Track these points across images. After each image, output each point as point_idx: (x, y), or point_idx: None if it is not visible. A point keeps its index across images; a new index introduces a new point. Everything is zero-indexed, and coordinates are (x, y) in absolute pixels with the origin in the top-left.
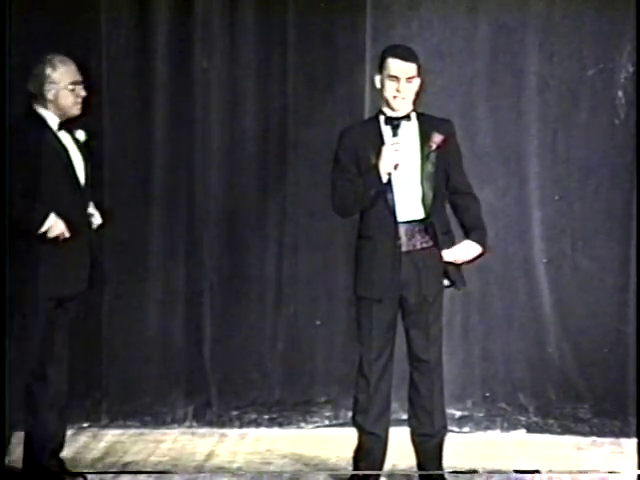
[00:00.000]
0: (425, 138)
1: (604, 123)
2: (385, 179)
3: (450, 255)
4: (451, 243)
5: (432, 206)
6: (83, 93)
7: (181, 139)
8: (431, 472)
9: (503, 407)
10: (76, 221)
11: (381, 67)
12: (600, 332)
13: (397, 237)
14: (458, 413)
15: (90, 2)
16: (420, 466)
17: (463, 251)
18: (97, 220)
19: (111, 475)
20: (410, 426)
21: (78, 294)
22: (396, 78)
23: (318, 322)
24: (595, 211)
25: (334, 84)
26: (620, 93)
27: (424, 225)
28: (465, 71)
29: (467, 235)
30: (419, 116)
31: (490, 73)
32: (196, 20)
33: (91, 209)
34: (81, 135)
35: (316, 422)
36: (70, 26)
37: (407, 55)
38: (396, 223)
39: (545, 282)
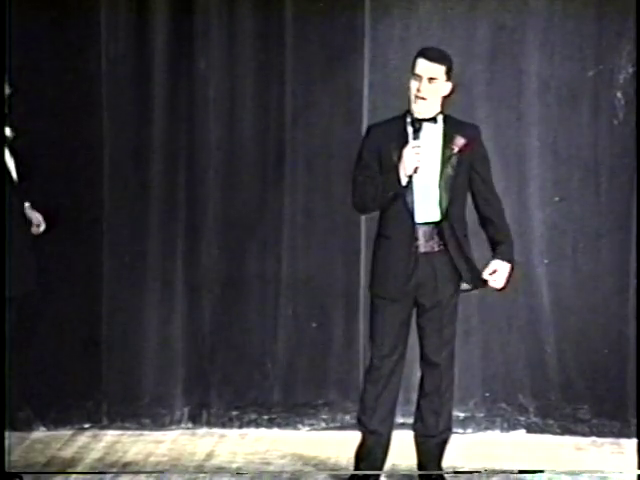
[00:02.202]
0: (448, 141)
1: (604, 124)
2: (404, 182)
3: (493, 283)
4: (467, 247)
5: (448, 209)
6: (7, 91)
7: (180, 139)
8: (431, 472)
9: (503, 407)
10: (17, 220)
11: (412, 67)
12: (600, 333)
13: (415, 238)
14: (462, 414)
15: (90, 2)
16: (420, 466)
17: (499, 276)
18: (41, 227)
19: (111, 475)
20: (415, 425)
21: (23, 294)
22: (419, 77)
23: (314, 324)
24: (595, 212)
25: (332, 84)
26: (620, 94)
27: (438, 227)
28: (465, 72)
29: (493, 251)
30: (446, 119)
31: (490, 74)
32: (195, 21)
33: (29, 211)
34: (8, 132)
35: (313, 425)
36: (70, 26)
37: (434, 56)
38: (414, 224)
39: (545, 283)
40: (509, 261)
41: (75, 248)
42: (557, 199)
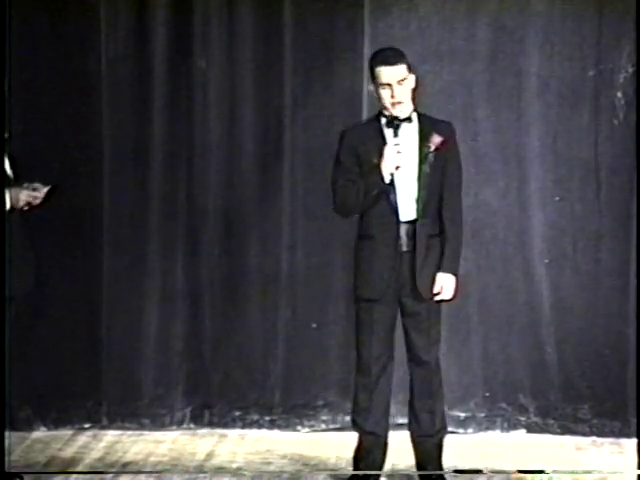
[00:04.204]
0: (424, 139)
1: (604, 124)
2: (387, 180)
3: (440, 296)
4: (434, 249)
5: (425, 207)
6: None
7: (180, 139)
8: (431, 472)
9: (503, 407)
10: (16, 220)
11: (372, 76)
12: (600, 333)
13: (398, 237)
14: (462, 414)
15: (90, 2)
16: (420, 466)
17: (445, 289)
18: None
19: (111, 475)
20: (410, 426)
21: (23, 294)
22: (388, 85)
23: (314, 325)
24: (596, 212)
25: (332, 84)
26: (620, 94)
27: (414, 226)
28: (465, 72)
29: (440, 262)
30: (420, 117)
31: (490, 74)
32: (194, 20)
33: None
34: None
35: (313, 426)
36: (70, 26)
37: (393, 59)
38: (398, 223)
39: (545, 283)
40: (453, 273)
41: (75, 248)
42: (557, 199)
